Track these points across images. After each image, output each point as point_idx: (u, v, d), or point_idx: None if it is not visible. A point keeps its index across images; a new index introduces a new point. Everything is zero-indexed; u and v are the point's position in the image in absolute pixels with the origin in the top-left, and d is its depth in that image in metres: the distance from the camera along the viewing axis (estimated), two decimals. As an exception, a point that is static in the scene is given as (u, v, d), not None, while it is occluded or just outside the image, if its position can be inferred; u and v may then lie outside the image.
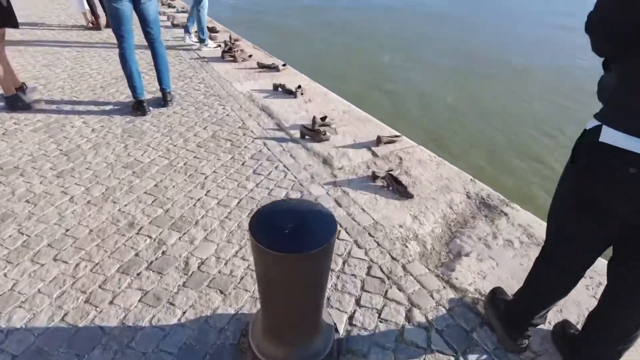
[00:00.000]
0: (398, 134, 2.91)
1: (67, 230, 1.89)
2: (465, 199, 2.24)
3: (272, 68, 4.37)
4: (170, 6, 8.34)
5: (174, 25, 6.37)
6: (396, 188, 2.22)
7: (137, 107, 3.14)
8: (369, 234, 1.92)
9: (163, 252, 1.77)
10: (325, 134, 2.78)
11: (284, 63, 4.41)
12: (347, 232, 1.93)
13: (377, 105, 5.46)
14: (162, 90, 3.29)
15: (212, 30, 5.97)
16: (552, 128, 5.15)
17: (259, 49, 5.29)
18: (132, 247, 1.79)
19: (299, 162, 2.53)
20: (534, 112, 5.71)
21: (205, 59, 4.68)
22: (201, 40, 5.30)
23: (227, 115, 3.19)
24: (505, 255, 1.83)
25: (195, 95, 3.57)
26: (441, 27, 11.05)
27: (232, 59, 4.66)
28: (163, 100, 3.30)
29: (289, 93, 3.66)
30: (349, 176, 2.40)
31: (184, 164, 2.47)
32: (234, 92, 3.69)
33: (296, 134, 2.90)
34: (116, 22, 2.82)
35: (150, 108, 3.21)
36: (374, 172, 2.32)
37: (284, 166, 2.49)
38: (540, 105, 5.92)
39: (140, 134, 2.83)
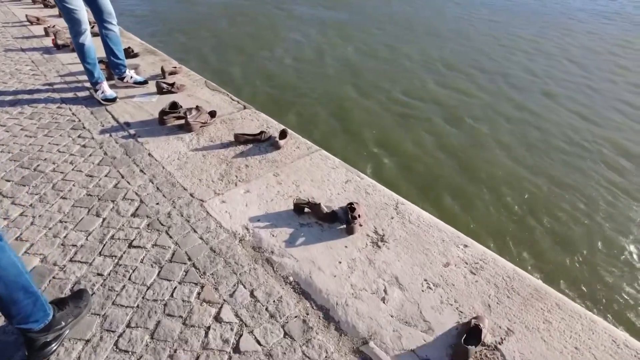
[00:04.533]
0: None
1: None
2: None
3: (263, 141, 2.44)
4: (47, 5, 5.64)
5: (60, 47, 3.95)
6: None
7: None
8: None
9: None
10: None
11: (283, 128, 2.48)
12: None
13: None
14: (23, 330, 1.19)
15: (126, 52, 3.73)
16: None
17: (218, 89, 3.23)
18: None
19: None
20: None
21: (132, 131, 2.57)
22: (119, 77, 3.19)
23: (242, 352, 1.31)
24: None
25: (136, 273, 1.59)
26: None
27: (181, 123, 2.62)
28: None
29: (331, 219, 1.83)
30: None
31: None
32: (217, 233, 1.76)
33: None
34: None
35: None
36: None
37: None
38: None
39: None
